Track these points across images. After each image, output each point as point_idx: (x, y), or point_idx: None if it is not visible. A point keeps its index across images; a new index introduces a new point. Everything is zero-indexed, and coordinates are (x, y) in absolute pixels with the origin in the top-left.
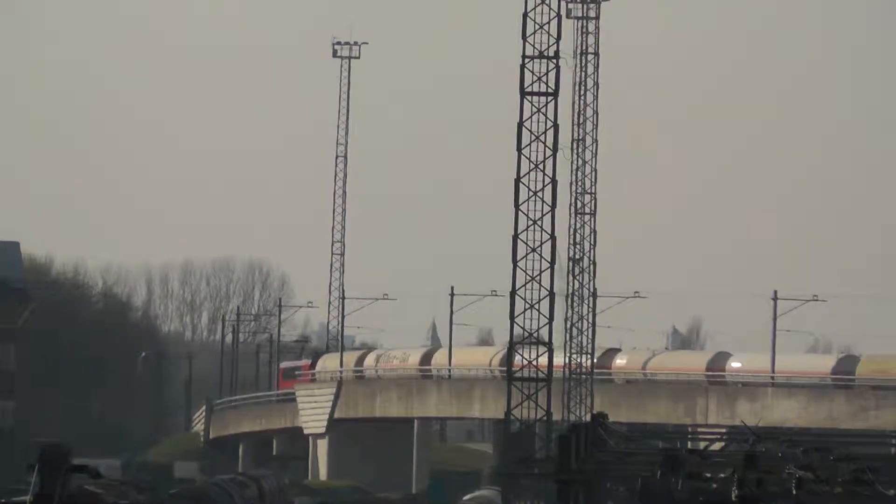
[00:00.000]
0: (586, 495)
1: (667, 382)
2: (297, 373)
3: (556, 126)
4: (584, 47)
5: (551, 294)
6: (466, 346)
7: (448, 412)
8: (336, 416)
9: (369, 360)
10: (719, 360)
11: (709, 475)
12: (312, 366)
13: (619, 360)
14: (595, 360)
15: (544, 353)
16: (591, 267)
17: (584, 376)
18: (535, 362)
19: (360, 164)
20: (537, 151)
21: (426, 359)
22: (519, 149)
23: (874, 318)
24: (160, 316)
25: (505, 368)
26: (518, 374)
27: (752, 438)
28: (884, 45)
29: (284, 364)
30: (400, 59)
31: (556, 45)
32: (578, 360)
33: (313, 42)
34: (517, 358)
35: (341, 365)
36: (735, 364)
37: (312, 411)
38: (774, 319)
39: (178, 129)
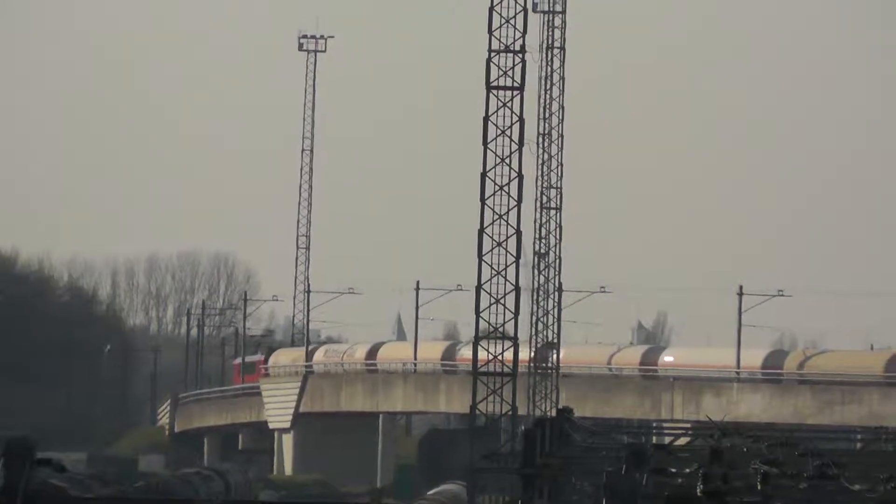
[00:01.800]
0: (551, 490)
1: (630, 378)
2: (262, 367)
3: (521, 120)
4: (550, 42)
5: (517, 288)
6: (421, 340)
7: (413, 406)
8: (301, 410)
9: (318, 356)
10: (652, 354)
11: (674, 470)
12: (265, 361)
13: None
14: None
15: (510, 347)
16: (557, 261)
17: (549, 371)
18: (500, 357)
19: (325, 159)
20: (503, 146)
21: (372, 354)
22: (485, 143)
23: (839, 314)
24: (126, 309)
25: (452, 363)
26: (483, 369)
27: (718, 433)
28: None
29: (243, 359)
30: (366, 52)
31: (522, 39)
32: (542, 355)
33: (279, 36)
34: (470, 352)
35: (307, 359)
36: (668, 358)
37: (278, 405)
38: (740, 314)
39: (143, 122)
